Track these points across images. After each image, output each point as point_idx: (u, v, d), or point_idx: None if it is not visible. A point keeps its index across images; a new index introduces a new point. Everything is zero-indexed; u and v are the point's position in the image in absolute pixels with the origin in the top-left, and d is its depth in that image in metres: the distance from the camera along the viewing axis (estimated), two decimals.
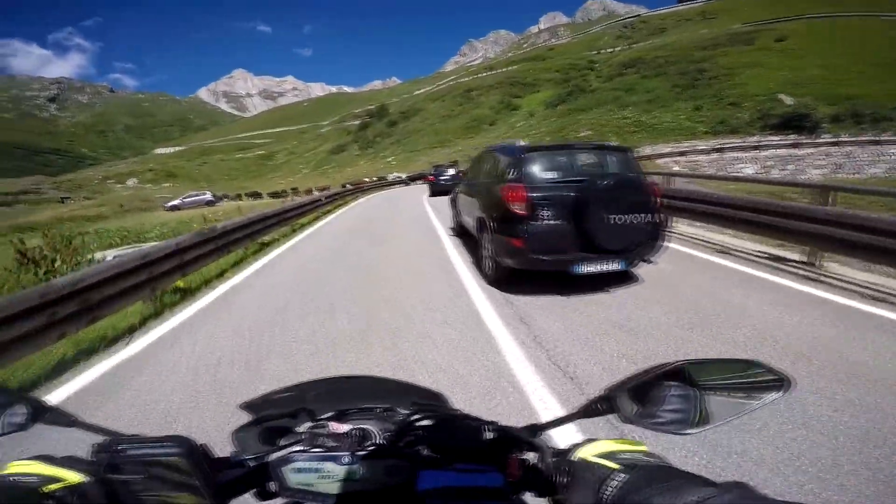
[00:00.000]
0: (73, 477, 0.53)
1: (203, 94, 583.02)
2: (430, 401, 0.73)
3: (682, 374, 0.56)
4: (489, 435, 0.62)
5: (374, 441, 0.62)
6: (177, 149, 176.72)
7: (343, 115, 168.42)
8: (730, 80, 51.28)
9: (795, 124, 38.04)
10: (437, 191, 18.53)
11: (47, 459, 0.56)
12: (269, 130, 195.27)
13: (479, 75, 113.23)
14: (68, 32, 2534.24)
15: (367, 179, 38.61)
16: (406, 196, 21.54)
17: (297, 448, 0.61)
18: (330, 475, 0.58)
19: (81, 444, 0.61)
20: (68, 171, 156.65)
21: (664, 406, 0.56)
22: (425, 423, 0.63)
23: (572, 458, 0.56)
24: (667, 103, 51.59)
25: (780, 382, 0.56)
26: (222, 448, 0.65)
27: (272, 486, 0.60)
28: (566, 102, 62.92)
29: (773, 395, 0.56)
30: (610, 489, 0.48)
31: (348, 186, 26.53)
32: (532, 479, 0.58)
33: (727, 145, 34.97)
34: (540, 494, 0.58)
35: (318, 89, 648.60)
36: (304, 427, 0.65)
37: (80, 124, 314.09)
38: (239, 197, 46.14)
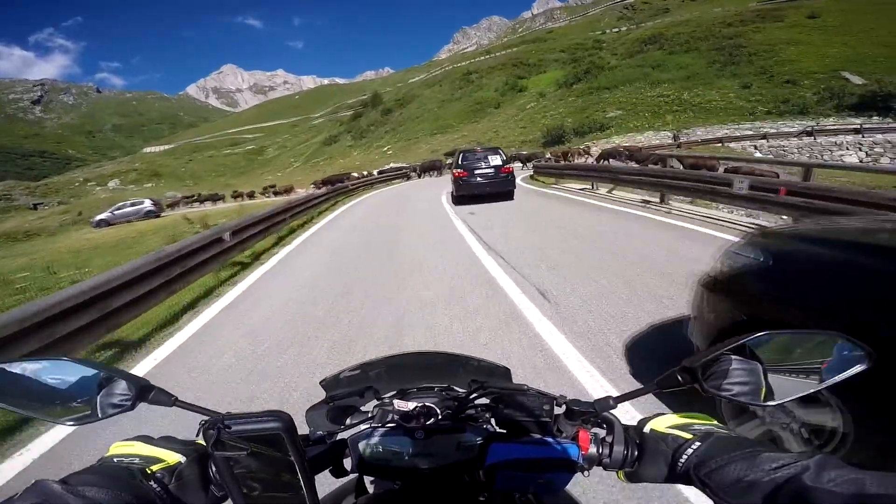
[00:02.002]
0: (171, 457, 0.55)
1: (192, 90, 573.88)
2: (494, 376, 0.72)
3: (761, 346, 0.55)
4: (559, 409, 0.62)
5: (438, 417, 0.63)
6: (166, 147, 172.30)
7: (336, 105, 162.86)
8: (774, 57, 45.82)
9: (879, 105, 31.63)
10: (469, 196, 10.91)
11: (147, 440, 0.58)
12: (260, 125, 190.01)
13: (478, 59, 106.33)
14: (49, 33, 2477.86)
15: (355, 174, 31.27)
16: (420, 213, 11.12)
17: (367, 426, 0.65)
18: (402, 451, 0.60)
19: (179, 421, 0.62)
20: (55, 173, 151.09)
21: (742, 378, 0.54)
22: (491, 397, 0.65)
23: (644, 431, 0.56)
24: (708, 80, 45.33)
25: (861, 353, 0.54)
26: None
27: (348, 462, 0.62)
28: (583, 81, 56.41)
29: (855, 369, 0.53)
30: (685, 457, 0.48)
31: (316, 191, 19.25)
32: (603, 452, 0.58)
33: (824, 127, 27.91)
34: (611, 467, 0.58)
35: (309, 82, 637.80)
36: (370, 405, 0.68)
37: (66, 126, 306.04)
38: (193, 200, 38.79)
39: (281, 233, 9.39)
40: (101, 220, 28.17)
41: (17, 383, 0.59)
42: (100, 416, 0.59)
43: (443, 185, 19.11)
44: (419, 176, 27.88)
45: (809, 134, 27.43)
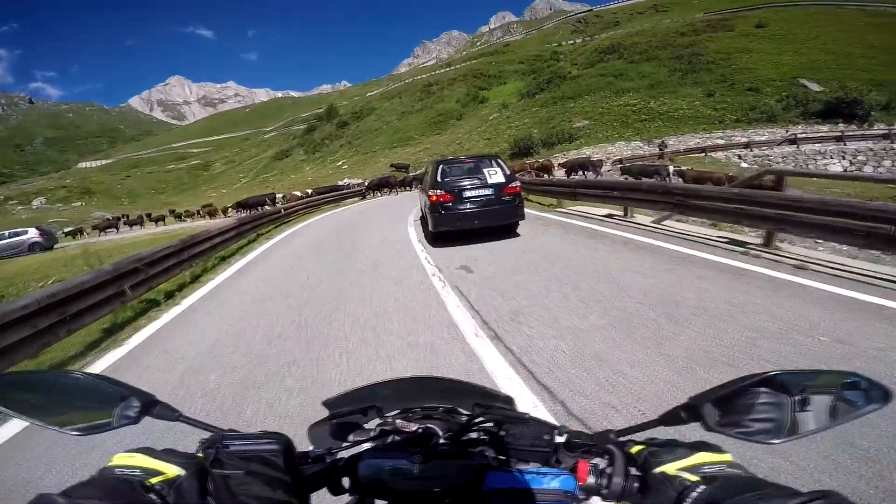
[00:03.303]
0: (172, 470, 0.55)
1: (136, 102, 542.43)
2: (496, 402, 0.73)
3: (773, 384, 0.54)
4: (559, 438, 0.63)
5: (438, 440, 0.63)
6: (104, 162, 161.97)
7: (289, 119, 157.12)
8: (732, 65, 46.36)
9: (844, 112, 31.49)
10: (454, 232, 7.48)
11: (149, 452, 0.58)
12: (208, 139, 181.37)
13: (438, 72, 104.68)
14: None
15: (297, 193, 27.31)
16: (378, 271, 7.80)
17: (367, 445, 0.64)
18: (401, 472, 0.59)
19: (182, 437, 0.63)
20: None
21: (751, 415, 0.54)
22: (491, 423, 0.65)
23: (650, 468, 0.55)
24: (672, 88, 44.86)
25: (880, 393, 0.53)
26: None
27: (346, 481, 0.62)
28: (545, 91, 55.39)
29: (871, 407, 0.52)
30: (688, 501, 0.48)
31: (233, 217, 15.41)
32: (602, 485, 0.57)
33: (803, 135, 26.92)
34: (610, 498, 0.57)
35: (262, 95, 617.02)
36: (373, 424, 0.68)
37: None
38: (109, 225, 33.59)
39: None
40: None
41: (25, 393, 0.62)
42: (105, 427, 0.61)
43: (403, 206, 15.67)
44: (364, 197, 24.68)
45: (792, 142, 26.26)
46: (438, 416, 0.68)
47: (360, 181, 31.91)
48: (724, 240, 6.45)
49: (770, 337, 3.16)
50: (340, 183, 34.86)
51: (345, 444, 0.66)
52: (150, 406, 0.63)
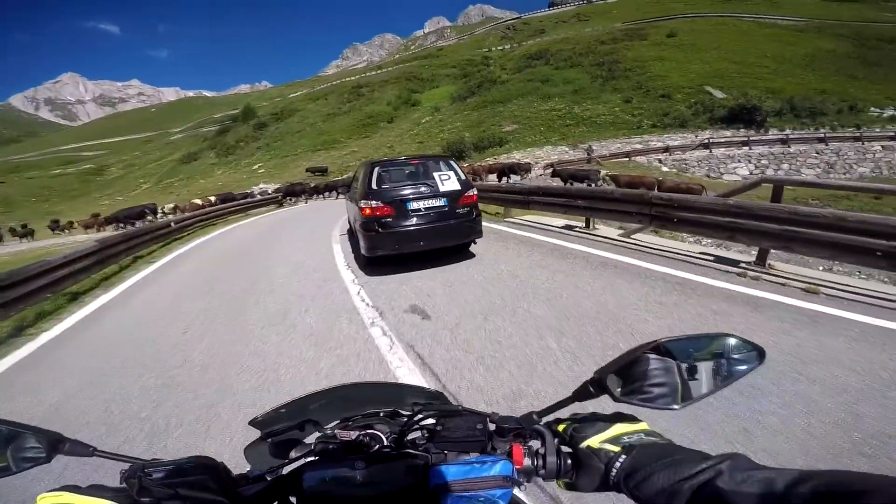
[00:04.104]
0: None
1: (18, 101, 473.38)
2: (429, 399, 0.73)
3: (661, 350, 0.57)
4: (491, 426, 0.64)
5: (382, 444, 0.64)
6: None
7: (200, 120, 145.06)
8: (646, 73, 49.30)
9: (745, 118, 34.32)
10: (394, 254, 5.74)
11: (75, 489, 0.55)
12: (105, 140, 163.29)
13: (369, 74, 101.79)
14: None
15: (197, 201, 23.95)
16: (294, 320, 6.48)
17: (310, 459, 0.64)
18: (346, 481, 0.60)
19: (101, 471, 0.59)
20: None
21: (649, 381, 0.56)
22: (428, 421, 0.66)
23: (577, 444, 0.58)
24: (594, 94, 46.66)
25: (754, 352, 0.58)
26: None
27: (293, 498, 0.61)
28: (476, 95, 55.65)
29: (749, 366, 0.57)
30: (615, 470, 0.51)
31: (106, 233, 12.69)
32: (538, 465, 0.59)
33: (714, 140, 28.49)
34: (548, 478, 0.59)
35: (171, 94, 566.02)
36: (312, 438, 0.68)
37: None
38: None
39: None
40: None
41: None
42: (14, 470, 0.60)
43: (326, 216, 13.70)
44: (281, 204, 22.14)
45: (706, 147, 27.73)
46: (380, 421, 0.67)
47: (276, 186, 28.94)
48: (710, 257, 5.55)
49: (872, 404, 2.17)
50: (255, 189, 31.52)
51: (286, 462, 0.65)
52: (59, 444, 0.62)
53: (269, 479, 0.62)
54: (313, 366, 3.35)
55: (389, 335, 3.79)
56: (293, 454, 0.65)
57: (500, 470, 0.58)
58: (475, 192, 5.88)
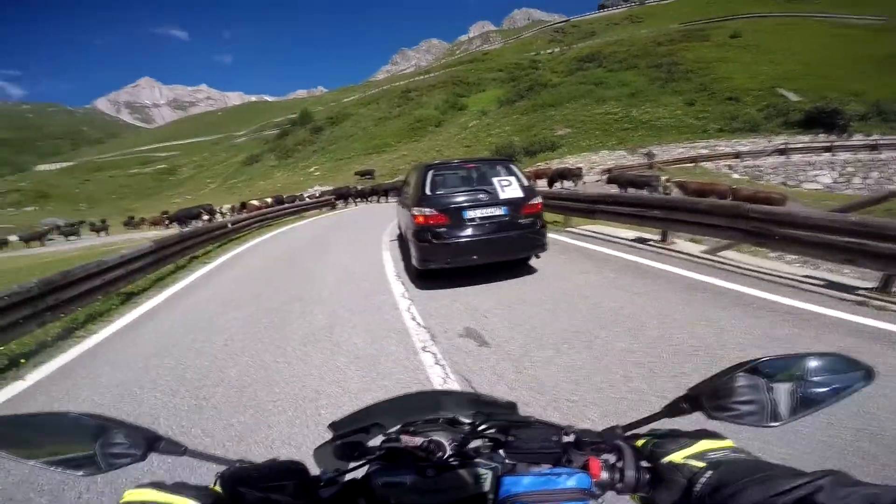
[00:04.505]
0: None
1: (102, 104, 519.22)
2: (499, 409, 0.73)
3: (764, 370, 0.57)
4: (568, 438, 0.63)
5: (445, 451, 0.63)
6: (64, 164, 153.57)
7: (262, 123, 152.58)
8: (710, 75, 46.36)
9: (825, 121, 31.09)
10: (449, 268, 5.24)
11: (160, 486, 0.57)
12: (177, 142, 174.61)
13: (417, 78, 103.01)
14: None
15: (255, 202, 24.65)
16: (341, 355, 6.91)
17: (376, 465, 0.64)
18: (416, 487, 0.59)
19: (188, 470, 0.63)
20: None
21: (747, 400, 0.56)
22: (497, 429, 0.65)
23: (657, 459, 0.57)
24: (652, 97, 44.48)
25: (862, 373, 0.56)
26: None
27: (361, 501, 0.62)
28: (525, 98, 54.62)
29: (857, 386, 0.55)
30: (699, 486, 0.49)
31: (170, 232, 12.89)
32: (615, 479, 0.58)
33: (791, 146, 26.10)
34: (624, 492, 0.58)
35: (235, 98, 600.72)
36: (377, 441, 0.68)
37: None
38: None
39: None
40: None
41: (25, 434, 0.62)
42: (106, 467, 0.61)
43: (377, 219, 13.44)
44: (334, 207, 22.16)
45: (782, 153, 25.40)
46: (440, 428, 0.67)
47: (322, 190, 29.50)
48: (818, 281, 4.65)
49: None
50: (311, 191, 32.30)
51: (351, 465, 0.65)
52: (155, 442, 0.64)
53: (341, 481, 0.63)
54: (357, 398, 2.91)
55: (442, 364, 3.30)
56: (357, 457, 0.65)
57: (577, 482, 0.56)
58: (540, 201, 5.29)
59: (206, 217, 21.62)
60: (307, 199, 23.56)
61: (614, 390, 2.78)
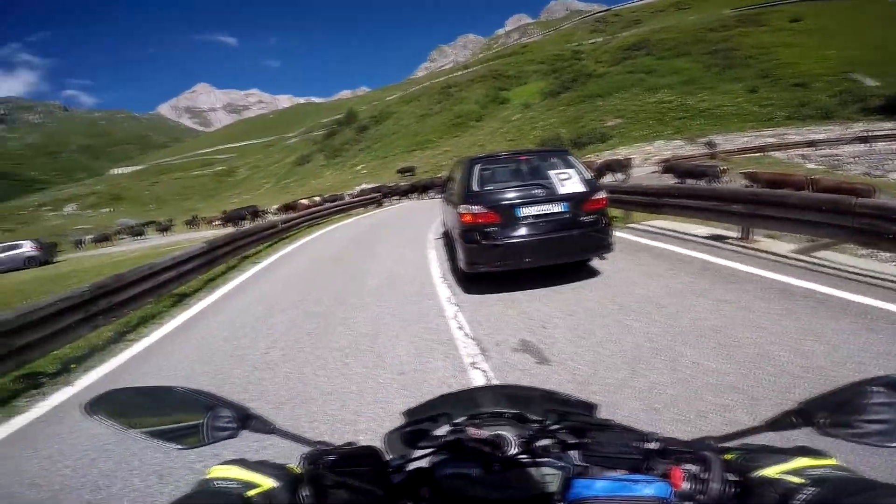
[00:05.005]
0: (267, 482, 0.56)
1: (165, 110, 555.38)
2: (574, 409, 0.71)
3: (891, 386, 0.53)
4: (652, 445, 0.60)
5: (511, 447, 0.61)
6: (134, 168, 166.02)
7: (311, 125, 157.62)
8: (772, 60, 42.95)
9: None
10: (498, 271, 4.83)
11: (244, 464, 0.59)
12: (233, 145, 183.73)
13: (456, 74, 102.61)
14: (14, 48, 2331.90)
15: (304, 201, 25.17)
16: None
17: (442, 455, 0.63)
18: (482, 481, 0.58)
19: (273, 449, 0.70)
20: (14, 197, 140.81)
21: (877, 418, 0.52)
22: (569, 430, 0.63)
23: (748, 473, 0.53)
24: (710, 84, 42.01)
25: None
26: None
27: (424, 491, 0.61)
28: (570, 90, 53.31)
29: None
30: (797, 502, 0.45)
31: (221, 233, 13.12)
32: (697, 490, 0.54)
33: (875, 133, 23.50)
34: None
35: (285, 101, 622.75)
36: (443, 430, 0.67)
37: (29, 146, 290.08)
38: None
39: None
40: None
41: (130, 408, 0.67)
42: (206, 441, 0.63)
43: (422, 216, 13.13)
44: (380, 204, 22.07)
45: (864, 140, 22.90)
46: (507, 423, 0.65)
47: (361, 188, 29.84)
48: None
49: None
50: (358, 189, 32.72)
51: (416, 453, 0.65)
52: (247, 420, 0.65)
53: (408, 469, 0.63)
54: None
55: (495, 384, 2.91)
56: (423, 445, 0.64)
57: (656, 491, 0.54)
58: (605, 196, 4.74)
59: (249, 217, 22.22)
60: (346, 199, 23.77)
61: (707, 421, 2.28)
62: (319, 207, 18.94)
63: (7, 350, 3.69)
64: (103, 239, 31.65)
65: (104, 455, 2.64)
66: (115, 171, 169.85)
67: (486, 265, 4.65)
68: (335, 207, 19.17)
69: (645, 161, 25.01)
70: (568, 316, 3.92)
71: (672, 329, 3.46)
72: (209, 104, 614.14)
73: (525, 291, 4.68)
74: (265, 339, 4.29)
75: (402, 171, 39.44)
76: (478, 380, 2.99)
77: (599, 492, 0.54)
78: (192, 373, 3.74)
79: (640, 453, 0.58)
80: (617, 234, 5.94)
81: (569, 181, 4.60)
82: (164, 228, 33.82)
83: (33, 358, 3.98)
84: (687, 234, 6.67)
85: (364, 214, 19.05)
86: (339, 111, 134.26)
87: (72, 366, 4.25)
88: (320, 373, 3.40)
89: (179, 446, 0.64)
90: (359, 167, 56.97)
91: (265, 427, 0.66)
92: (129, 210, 76.61)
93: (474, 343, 3.59)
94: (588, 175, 4.81)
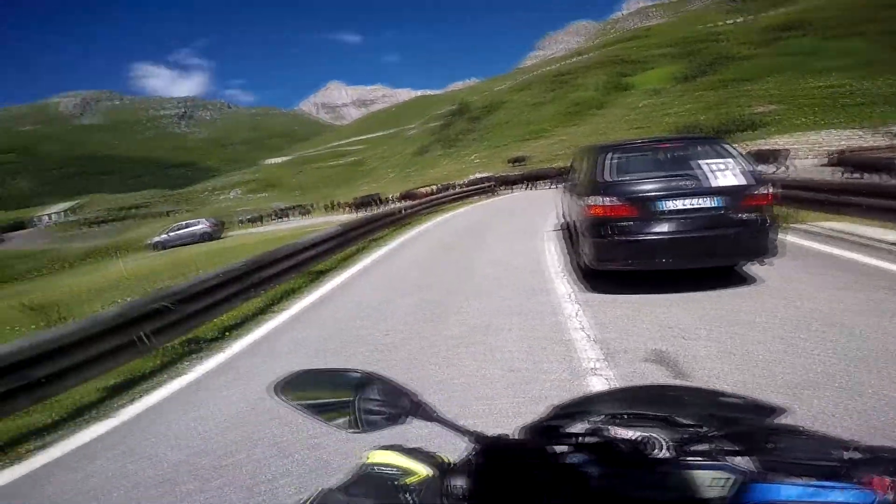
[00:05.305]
0: (422, 470, 0.58)
1: (305, 106, 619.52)
2: (747, 412, 0.66)
3: None
4: (850, 454, 0.53)
5: (663, 449, 0.57)
6: (284, 159, 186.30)
7: (428, 116, 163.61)
8: None
9: None
10: (629, 270, 4.47)
11: (400, 450, 0.61)
12: (362, 137, 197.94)
13: (569, 61, 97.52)
14: (185, 53, 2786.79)
15: (423, 189, 26.00)
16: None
17: (583, 453, 0.60)
18: (637, 481, 0.55)
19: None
20: (194, 183, 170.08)
21: None
22: (739, 435, 0.58)
23: None
24: (891, 67, 33.79)
25: None
26: None
27: (567, 488, 0.59)
28: (709, 74, 48.15)
29: None
30: None
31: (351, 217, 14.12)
32: None
33: None
34: None
35: (404, 94, 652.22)
36: (578, 428, 0.65)
37: (204, 140, 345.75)
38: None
39: None
40: (158, 242, 25.71)
41: (312, 389, 0.71)
42: (377, 427, 0.65)
43: (535, 207, 12.64)
44: (494, 193, 21.82)
45: None
46: (653, 425, 0.61)
47: (485, 176, 29.92)
48: None
49: None
50: (472, 177, 33.13)
51: (557, 449, 0.62)
52: (416, 407, 0.66)
53: (552, 462, 0.61)
54: (503, 422, 2.43)
55: None
56: (562, 442, 0.62)
57: (857, 499, 0.48)
58: (771, 190, 3.97)
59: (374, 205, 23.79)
60: (457, 189, 24.11)
61: None
62: (435, 196, 19.59)
63: (180, 316, 4.33)
64: (257, 219, 36.91)
65: (235, 425, 2.88)
66: (269, 161, 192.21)
67: (615, 263, 4.22)
68: (448, 196, 19.63)
69: (810, 152, 21.29)
70: (714, 327, 3.36)
71: (851, 352, 2.78)
72: (341, 100, 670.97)
73: (661, 295, 4.15)
74: (386, 322, 4.47)
75: (514, 161, 38.78)
76: (599, 387, 2.70)
77: (788, 497, 0.49)
78: (320, 349, 4.02)
79: (838, 462, 0.52)
80: (781, 236, 5.01)
81: (724, 172, 3.92)
82: (305, 212, 38.26)
83: (199, 324, 4.64)
84: (877, 240, 5.31)
85: (478, 203, 19.22)
86: (452, 102, 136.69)
87: (227, 333, 4.86)
88: (432, 360, 3.41)
89: (352, 430, 0.65)
90: (473, 157, 57.56)
91: (429, 415, 0.66)
92: (279, 195, 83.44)
93: (597, 347, 3.27)
94: (750, 166, 4.05)
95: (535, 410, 2.09)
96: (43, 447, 3.00)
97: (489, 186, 22.52)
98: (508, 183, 24.39)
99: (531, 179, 23.75)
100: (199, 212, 55.15)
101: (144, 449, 2.75)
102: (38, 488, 2.57)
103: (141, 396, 3.56)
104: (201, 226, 25.77)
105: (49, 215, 68.39)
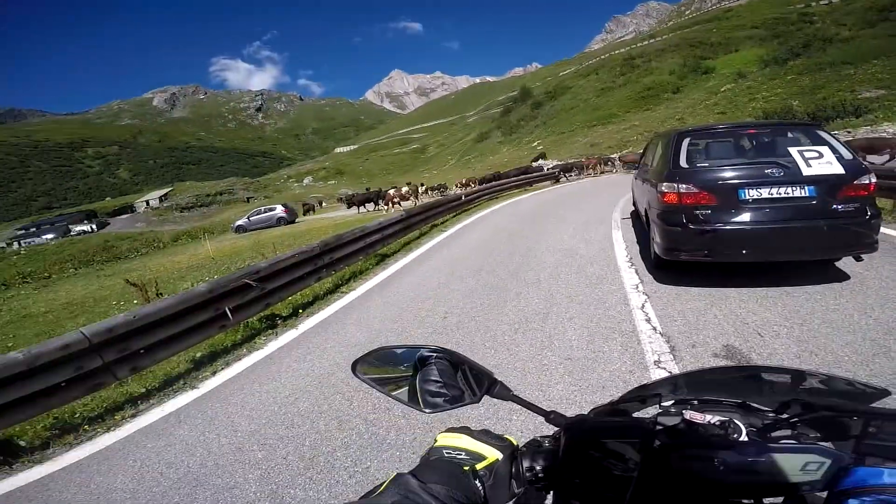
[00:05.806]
0: (491, 455, 0.57)
1: (370, 95, 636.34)
2: (838, 395, 0.64)
3: None
4: None
5: (741, 434, 0.56)
6: (351, 147, 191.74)
7: (487, 103, 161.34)
8: None
9: None
10: (710, 261, 4.07)
11: (469, 432, 0.60)
12: (423, 125, 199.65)
13: (640, 44, 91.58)
14: (257, 46, 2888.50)
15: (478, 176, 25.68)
16: None
17: (669, 436, 0.58)
18: (724, 464, 0.53)
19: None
20: (271, 171, 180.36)
21: None
22: (823, 420, 0.56)
23: None
24: None
25: None
26: None
27: (651, 470, 0.57)
28: (802, 56, 44.02)
29: None
30: None
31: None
32: None
33: None
34: None
35: (463, 82, 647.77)
36: (649, 412, 0.64)
37: (279, 130, 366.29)
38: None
39: None
40: (239, 226, 28.07)
41: (389, 365, 0.72)
42: (451, 405, 0.65)
43: (603, 194, 12.21)
44: (557, 180, 21.14)
45: None
46: (730, 409, 0.61)
47: (553, 163, 29.11)
48: None
49: None
50: (535, 164, 32.34)
51: (640, 430, 0.61)
52: (492, 385, 0.66)
53: (638, 443, 0.59)
54: (560, 410, 2.43)
55: None
56: (644, 424, 0.61)
57: None
58: (873, 180, 3.56)
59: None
60: (512, 177, 23.72)
61: None
62: (496, 183, 19.43)
63: (260, 292, 4.72)
64: (309, 209, 38.90)
65: (302, 398, 3.11)
66: (338, 149, 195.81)
67: (689, 253, 3.97)
68: (512, 182, 19.41)
69: None
70: (797, 325, 3.12)
71: None
72: (403, 88, 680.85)
73: (738, 289, 3.90)
74: (444, 304, 4.59)
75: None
76: None
77: (890, 482, 0.46)
78: (382, 329, 4.23)
79: None
80: (884, 230, 4.49)
81: (818, 160, 3.57)
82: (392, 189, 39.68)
83: (275, 301, 5.02)
84: None
85: (542, 190, 18.89)
86: (513, 88, 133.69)
87: (300, 311, 5.23)
88: (488, 344, 3.48)
89: (428, 410, 0.65)
90: (535, 143, 56.24)
91: (505, 394, 0.66)
92: (348, 182, 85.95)
93: (662, 339, 3.17)
94: (849, 154, 3.66)
95: (591, 400, 2.11)
96: (135, 415, 3.31)
97: (556, 173, 22.05)
98: (567, 170, 23.75)
99: (569, 170, 23.30)
100: (275, 198, 58.38)
101: (221, 419, 3.02)
102: (128, 455, 2.79)
103: (222, 369, 3.90)
104: (277, 211, 27.83)
105: (146, 202, 76.14)
